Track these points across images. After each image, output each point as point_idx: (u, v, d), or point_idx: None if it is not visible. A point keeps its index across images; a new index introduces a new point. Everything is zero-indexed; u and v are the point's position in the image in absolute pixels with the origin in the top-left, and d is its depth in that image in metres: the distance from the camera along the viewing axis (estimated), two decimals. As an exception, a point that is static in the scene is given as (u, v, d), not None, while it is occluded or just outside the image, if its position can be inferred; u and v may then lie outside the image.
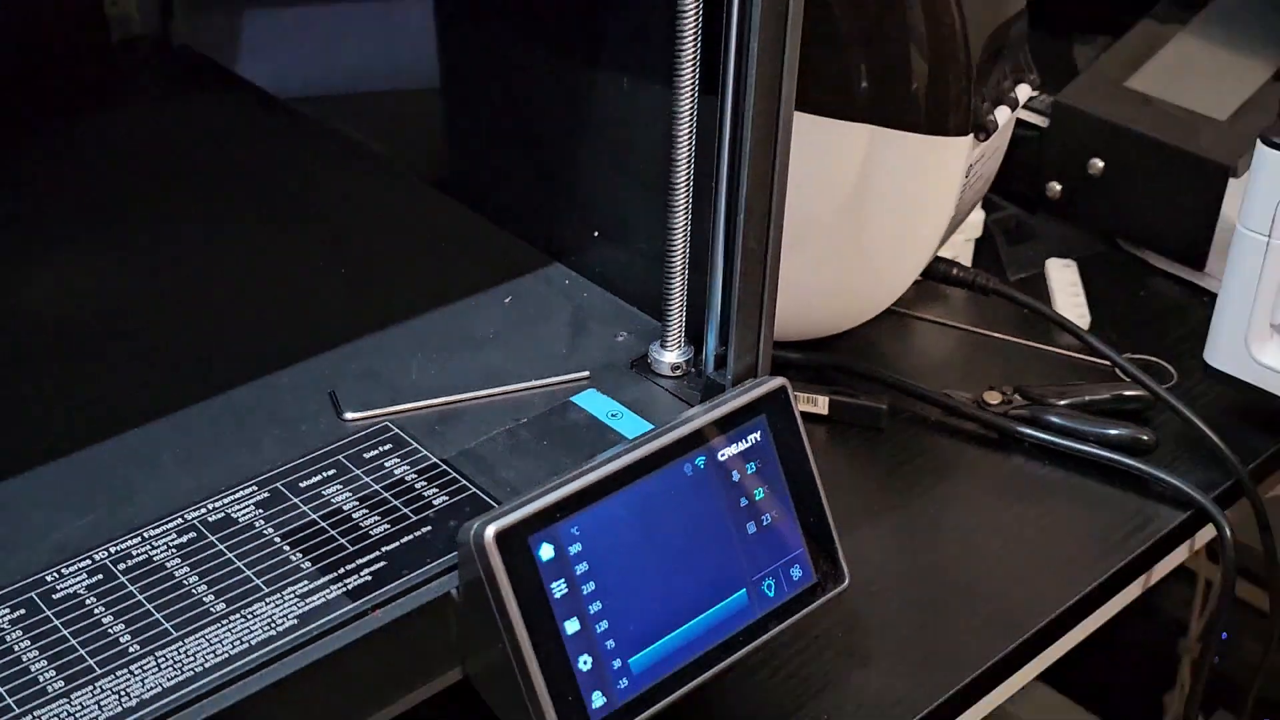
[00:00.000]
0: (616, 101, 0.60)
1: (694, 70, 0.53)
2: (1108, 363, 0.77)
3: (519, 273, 0.65)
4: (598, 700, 0.49)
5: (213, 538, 0.50)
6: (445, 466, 0.53)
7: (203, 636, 0.46)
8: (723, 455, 0.53)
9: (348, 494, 0.52)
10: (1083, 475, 0.72)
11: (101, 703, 0.43)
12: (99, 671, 0.44)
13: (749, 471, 0.54)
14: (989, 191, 0.88)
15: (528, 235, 0.67)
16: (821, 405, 0.75)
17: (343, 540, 0.50)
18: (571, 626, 0.48)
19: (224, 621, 0.46)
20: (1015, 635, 0.62)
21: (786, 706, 0.58)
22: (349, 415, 0.56)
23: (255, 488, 0.52)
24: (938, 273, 0.83)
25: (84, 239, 0.66)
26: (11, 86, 0.80)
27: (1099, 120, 0.87)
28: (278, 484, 0.52)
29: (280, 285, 0.64)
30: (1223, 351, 0.73)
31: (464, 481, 0.53)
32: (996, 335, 0.82)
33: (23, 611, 0.46)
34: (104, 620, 0.46)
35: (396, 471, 0.53)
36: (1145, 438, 0.72)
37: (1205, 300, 0.84)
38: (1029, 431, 0.73)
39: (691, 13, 0.51)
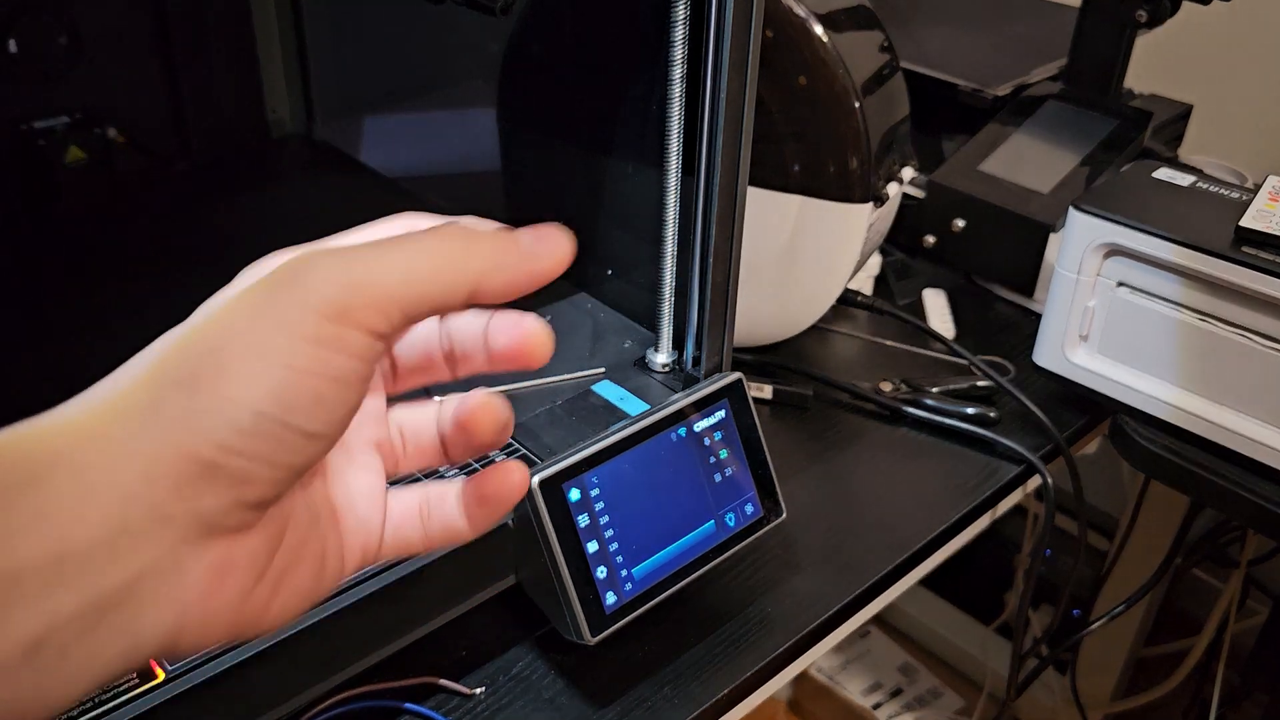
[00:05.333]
0: (623, 180, 0.60)
1: (677, 158, 0.53)
2: (965, 361, 0.77)
3: (555, 299, 0.65)
4: (610, 598, 0.49)
5: (342, 484, 0.50)
6: (504, 435, 0.53)
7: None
8: (698, 427, 0.53)
9: (436, 454, 0.52)
10: (949, 441, 0.72)
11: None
12: (263, 578, 0.44)
13: (716, 438, 0.54)
14: (883, 242, 0.88)
15: (564, 274, 0.67)
16: (767, 392, 0.74)
17: (433, 486, 0.50)
18: (592, 547, 0.48)
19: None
20: (902, 551, 0.62)
21: (743, 602, 0.58)
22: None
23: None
24: (848, 299, 0.83)
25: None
26: (196, 174, 0.80)
27: (960, 193, 0.86)
28: (387, 447, 0.52)
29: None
30: (1046, 354, 0.73)
31: (517, 444, 0.53)
32: (889, 343, 0.82)
33: (210, 536, 0.46)
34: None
35: (470, 438, 0.53)
36: (992, 414, 0.72)
37: (1033, 318, 0.84)
38: (911, 410, 0.73)
39: (676, 119, 0.51)
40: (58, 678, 0.22)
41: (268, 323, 0.23)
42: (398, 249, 0.26)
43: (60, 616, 0.21)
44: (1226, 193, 0.69)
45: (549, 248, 0.30)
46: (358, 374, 0.24)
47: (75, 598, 0.21)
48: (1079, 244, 0.68)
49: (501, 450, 0.52)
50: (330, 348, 0.23)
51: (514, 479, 0.30)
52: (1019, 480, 0.70)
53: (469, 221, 0.29)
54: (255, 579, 0.25)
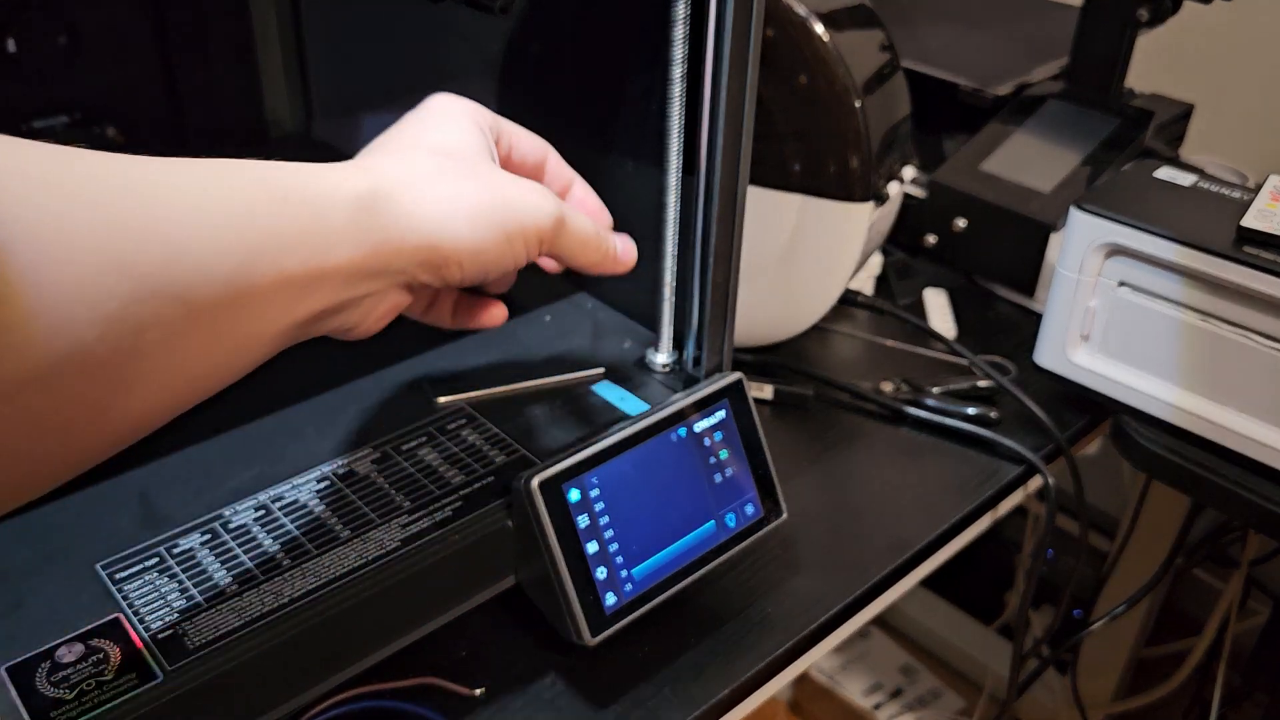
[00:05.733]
0: (623, 180, 0.60)
1: (677, 158, 0.52)
2: (966, 362, 0.77)
3: (556, 299, 0.65)
4: (610, 599, 0.49)
5: (341, 485, 0.50)
6: (504, 435, 0.53)
7: (334, 553, 0.46)
8: (698, 427, 0.53)
9: (436, 455, 0.52)
10: (950, 441, 0.72)
11: (264, 599, 0.43)
12: (262, 578, 0.44)
13: (716, 439, 0.53)
14: (884, 242, 0.88)
15: (563, 274, 0.67)
16: (767, 392, 0.74)
17: (432, 487, 0.50)
18: (591, 548, 0.48)
19: (349, 543, 0.46)
20: (903, 552, 0.62)
21: (743, 603, 0.58)
22: (438, 400, 0.56)
23: (371, 450, 0.52)
24: (849, 299, 0.83)
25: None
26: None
27: (961, 192, 0.86)
28: (386, 447, 0.52)
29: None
30: (1047, 354, 0.73)
31: (516, 446, 0.53)
32: (889, 343, 0.82)
33: (209, 536, 0.46)
34: (264, 542, 0.46)
35: (470, 439, 0.53)
36: (993, 415, 0.72)
37: (1034, 318, 0.84)
38: (912, 410, 0.73)
39: (676, 119, 0.51)
40: (287, 338, 0.36)
41: (510, 224, 0.40)
42: (582, 224, 0.44)
43: (322, 305, 0.36)
44: (1228, 192, 0.69)
45: (626, 262, 0.48)
46: (516, 268, 0.44)
47: (340, 296, 0.37)
48: (1080, 244, 0.68)
49: (501, 450, 0.52)
50: (519, 248, 0.41)
51: (494, 316, 0.48)
52: (1020, 480, 0.70)
53: (593, 211, 0.49)
54: (396, 313, 0.42)
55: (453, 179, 0.39)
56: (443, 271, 0.39)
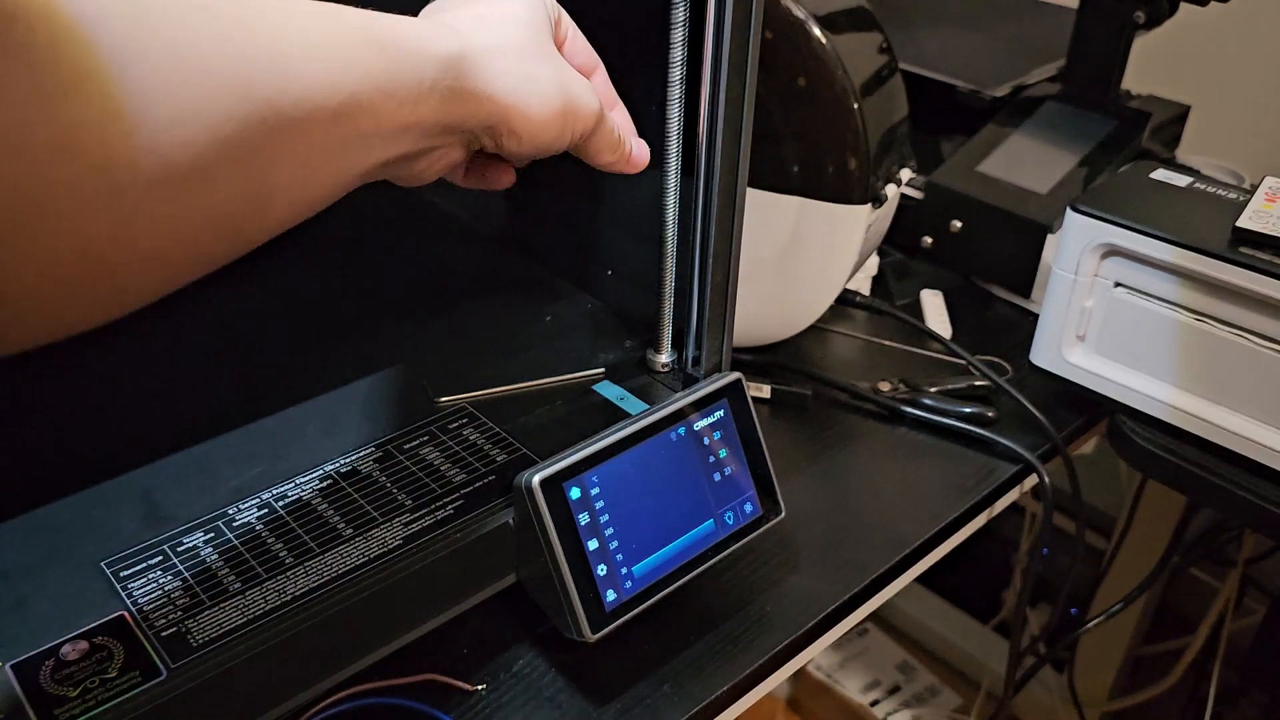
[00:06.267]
0: (623, 180, 0.60)
1: (677, 159, 0.53)
2: (963, 361, 0.77)
3: (557, 299, 0.65)
4: (610, 596, 0.49)
5: (343, 483, 0.50)
6: (505, 434, 0.53)
7: (337, 552, 0.46)
8: (697, 426, 0.53)
9: (437, 453, 0.52)
10: (947, 440, 0.72)
11: (267, 597, 0.43)
12: (264, 576, 0.45)
13: (715, 438, 0.54)
14: (882, 243, 0.88)
15: (564, 274, 0.67)
16: (766, 392, 0.74)
17: (434, 485, 0.50)
18: (592, 545, 0.48)
19: (351, 541, 0.47)
20: (900, 550, 0.62)
21: (741, 600, 0.58)
22: (439, 399, 0.56)
23: (373, 448, 0.52)
24: (846, 299, 0.83)
25: (265, 278, 0.66)
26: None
27: (958, 194, 0.87)
28: (388, 446, 0.52)
29: (391, 311, 0.64)
30: (1043, 354, 0.73)
31: (518, 445, 0.53)
32: (887, 343, 0.82)
33: (212, 534, 0.47)
34: (268, 540, 0.46)
35: (471, 438, 0.53)
36: (990, 414, 0.72)
37: (1031, 318, 0.84)
38: (910, 410, 0.73)
39: (676, 120, 0.51)
40: (371, 176, 0.39)
41: (569, 111, 0.44)
42: (613, 125, 0.48)
43: (402, 150, 0.39)
44: (1224, 193, 0.69)
45: (638, 163, 0.51)
46: (558, 150, 0.46)
47: (418, 145, 0.40)
48: (1076, 244, 0.68)
49: (502, 449, 0.52)
50: (567, 134, 0.45)
51: (504, 180, 0.50)
52: (1017, 479, 0.70)
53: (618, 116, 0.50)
54: (450, 169, 0.46)
55: (529, 58, 0.42)
56: (504, 141, 0.43)
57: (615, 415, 0.55)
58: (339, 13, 0.36)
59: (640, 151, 0.50)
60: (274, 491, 0.49)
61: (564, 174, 0.66)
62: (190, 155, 0.29)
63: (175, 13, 0.30)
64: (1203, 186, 0.70)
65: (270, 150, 0.32)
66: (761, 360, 0.78)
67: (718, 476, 0.53)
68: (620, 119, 0.51)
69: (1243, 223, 0.63)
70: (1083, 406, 0.75)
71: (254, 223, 0.34)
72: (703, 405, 0.53)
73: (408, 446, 0.52)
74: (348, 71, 0.35)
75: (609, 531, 0.49)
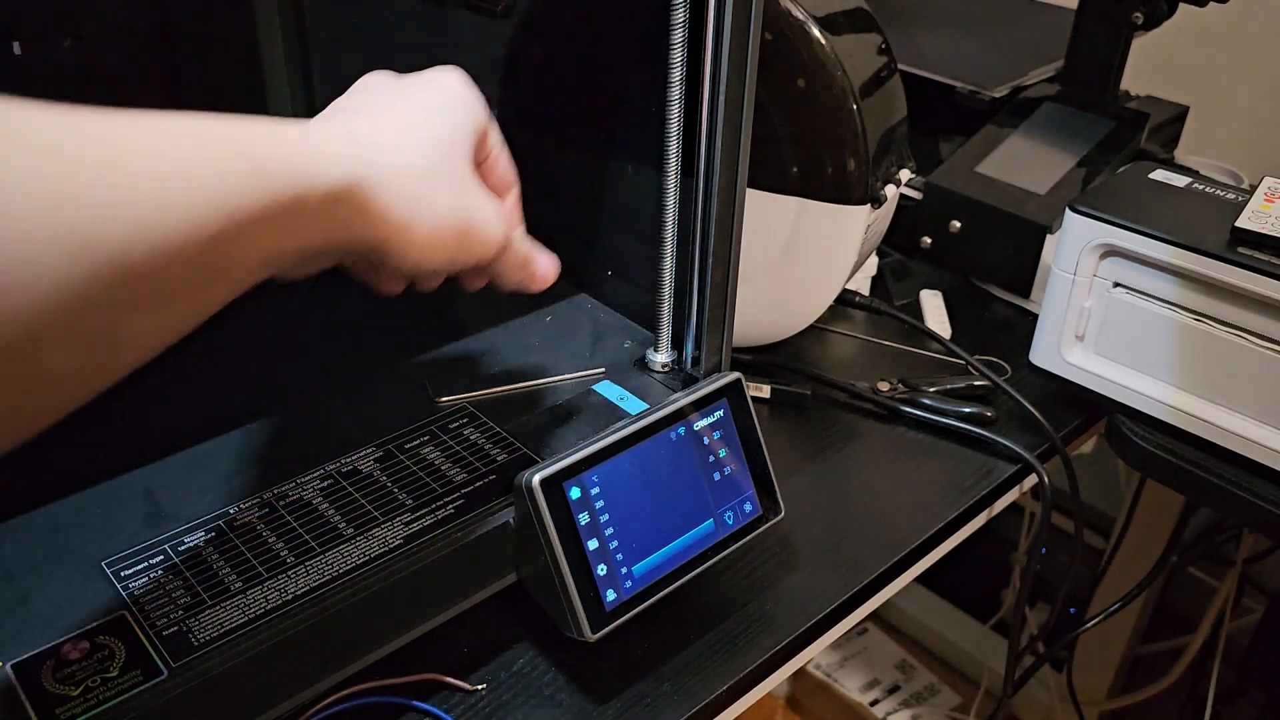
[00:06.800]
0: (623, 180, 0.60)
1: (677, 160, 0.53)
2: (962, 361, 0.77)
3: (557, 300, 0.65)
4: (610, 595, 0.49)
5: (344, 483, 0.50)
6: (505, 434, 0.53)
7: (338, 551, 0.46)
8: (697, 426, 0.53)
9: (438, 453, 0.52)
10: (946, 440, 0.72)
11: (268, 596, 0.43)
12: (266, 576, 0.45)
13: (715, 437, 0.54)
14: (881, 243, 0.88)
15: (564, 274, 0.67)
16: (765, 391, 0.74)
17: (434, 485, 0.50)
18: (592, 545, 0.48)
19: (352, 541, 0.47)
20: (900, 549, 0.62)
21: (741, 599, 0.58)
22: (440, 399, 0.56)
23: (374, 448, 0.52)
24: (846, 299, 0.83)
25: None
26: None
27: (957, 194, 0.87)
28: (389, 445, 0.52)
29: (392, 313, 0.64)
30: (1042, 354, 0.73)
31: (518, 444, 0.53)
32: (886, 343, 0.82)
33: (214, 534, 0.47)
34: (269, 540, 0.46)
35: (472, 438, 0.53)
36: (989, 414, 0.72)
37: (1030, 319, 0.84)
38: (909, 410, 0.73)
39: (675, 120, 0.51)
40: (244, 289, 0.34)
41: (463, 243, 0.41)
42: (519, 250, 0.46)
43: (279, 270, 0.35)
44: (1222, 193, 0.69)
45: (545, 282, 0.48)
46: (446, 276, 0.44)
47: (297, 267, 0.37)
48: (1075, 245, 0.68)
49: (502, 449, 0.52)
50: (458, 264, 0.42)
51: (393, 288, 0.44)
52: (1016, 479, 0.70)
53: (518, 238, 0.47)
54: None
55: (430, 184, 0.39)
56: (388, 262, 0.39)
57: (615, 415, 0.55)
58: (209, 135, 0.31)
59: (547, 269, 0.48)
60: (275, 491, 0.49)
61: (564, 174, 0.66)
62: (15, 327, 0.26)
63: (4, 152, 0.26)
64: (1201, 187, 0.70)
65: (120, 303, 0.28)
66: (761, 360, 0.78)
67: (717, 476, 0.53)
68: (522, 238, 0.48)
69: (1241, 223, 0.63)
70: (1081, 406, 0.75)
71: (98, 377, 0.29)
72: (702, 405, 0.53)
73: (409, 446, 0.52)
74: (218, 208, 0.30)
75: (609, 531, 0.49)
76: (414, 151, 0.39)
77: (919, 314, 0.86)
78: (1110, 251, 0.67)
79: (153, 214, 0.28)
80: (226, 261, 0.31)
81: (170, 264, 0.29)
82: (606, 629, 0.48)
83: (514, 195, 0.47)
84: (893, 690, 1.36)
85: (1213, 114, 1.05)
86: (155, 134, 0.30)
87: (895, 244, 0.91)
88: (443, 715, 0.50)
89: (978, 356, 0.78)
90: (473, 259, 0.42)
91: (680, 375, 0.58)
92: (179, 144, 0.30)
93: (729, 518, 0.54)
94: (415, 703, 0.50)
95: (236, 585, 0.44)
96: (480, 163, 0.44)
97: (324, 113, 0.42)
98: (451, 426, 0.54)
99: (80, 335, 0.27)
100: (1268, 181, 0.68)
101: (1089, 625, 0.88)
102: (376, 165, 0.37)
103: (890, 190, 0.75)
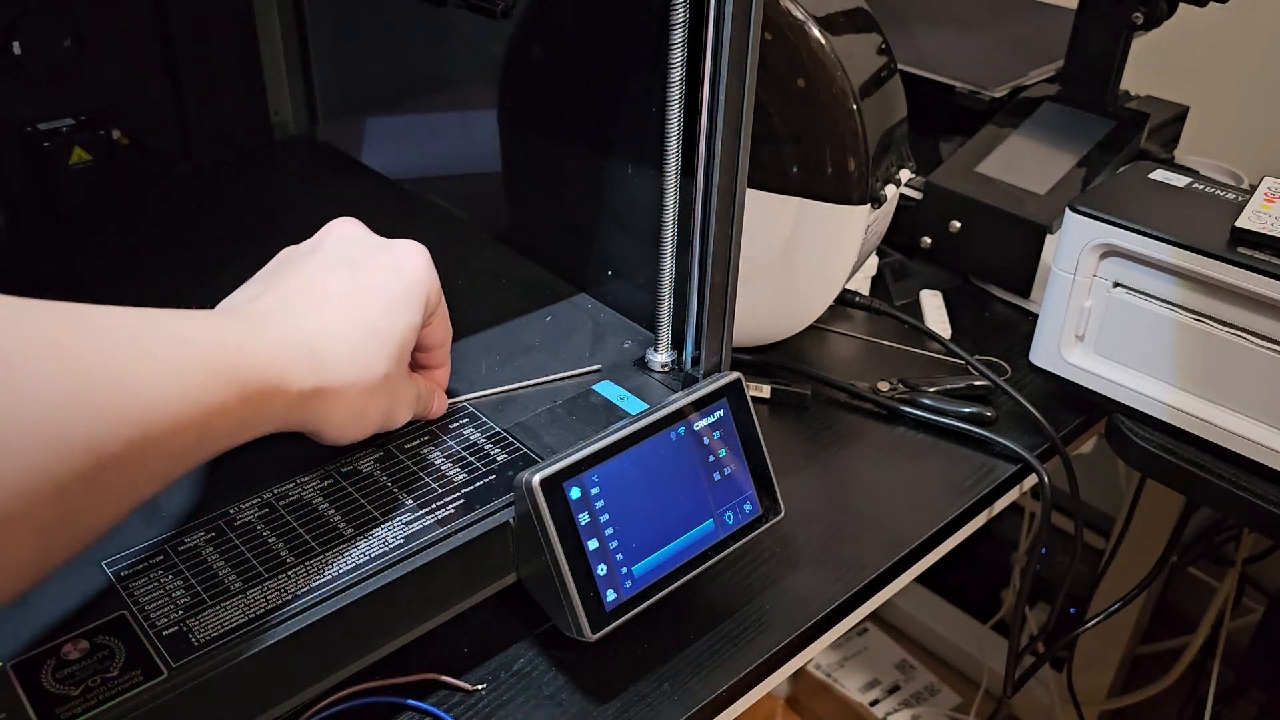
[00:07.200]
0: (623, 180, 0.60)
1: (677, 160, 0.53)
2: (962, 361, 0.77)
3: (557, 299, 0.65)
4: (610, 595, 0.49)
5: (344, 483, 0.50)
6: (505, 434, 0.53)
7: (337, 551, 0.46)
8: (697, 426, 0.53)
9: (438, 453, 0.52)
10: (945, 440, 0.72)
11: (268, 596, 0.43)
12: (265, 575, 0.44)
13: (715, 437, 0.54)
14: (881, 243, 0.88)
15: (564, 274, 0.67)
16: (765, 391, 0.74)
17: (434, 485, 0.50)
18: (592, 545, 0.48)
19: (352, 541, 0.46)
20: (900, 549, 0.62)
21: (741, 599, 0.58)
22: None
23: (374, 448, 0.52)
24: (845, 300, 0.83)
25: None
26: (200, 176, 0.80)
27: (957, 194, 0.86)
28: (389, 446, 0.52)
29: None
30: (1042, 354, 0.73)
31: (518, 444, 0.53)
32: (886, 343, 0.82)
33: (214, 534, 0.47)
34: (269, 540, 0.46)
35: (472, 438, 0.53)
36: (989, 414, 0.72)
37: (1030, 319, 0.84)
38: (908, 410, 0.73)
39: (675, 120, 0.51)
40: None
41: (379, 429, 0.49)
42: (420, 408, 0.52)
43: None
44: (1222, 194, 0.69)
45: (434, 416, 0.54)
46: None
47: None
48: (1075, 245, 0.68)
49: (502, 448, 0.52)
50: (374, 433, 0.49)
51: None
52: (1016, 479, 0.70)
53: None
54: None
55: (370, 398, 0.45)
56: (316, 439, 0.45)
57: (615, 415, 0.55)
58: (204, 352, 0.36)
59: (439, 407, 0.53)
60: (275, 491, 0.49)
61: (564, 174, 0.66)
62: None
63: None
64: (1201, 187, 0.70)
65: (95, 489, 0.32)
66: (761, 360, 0.78)
67: (717, 476, 0.53)
68: (441, 376, 0.54)
69: (1241, 223, 0.63)
70: (1081, 406, 0.74)
71: (63, 552, 0.33)
72: (702, 405, 0.53)
73: (408, 446, 0.52)
74: (205, 424, 0.35)
75: (609, 531, 0.49)
76: (364, 365, 0.44)
77: (919, 314, 0.86)
78: (1110, 251, 0.67)
79: (143, 416, 0.33)
80: (193, 453, 0.36)
81: (145, 458, 0.33)
82: (606, 629, 0.48)
83: (444, 350, 0.53)
84: (893, 690, 1.36)
85: (1213, 114, 1.05)
86: (166, 344, 0.35)
87: (895, 244, 0.91)
88: (443, 715, 0.50)
89: (978, 356, 0.78)
90: (380, 432, 0.49)
91: (680, 375, 0.58)
92: (181, 358, 0.35)
93: (729, 518, 0.54)
94: (415, 702, 0.50)
95: (236, 585, 0.44)
96: (423, 327, 0.49)
97: (291, 286, 0.45)
98: (451, 426, 0.54)
99: (56, 519, 0.31)
100: (1268, 181, 0.68)
101: (1089, 625, 0.88)
102: (331, 374, 0.43)
103: (890, 190, 0.75)
